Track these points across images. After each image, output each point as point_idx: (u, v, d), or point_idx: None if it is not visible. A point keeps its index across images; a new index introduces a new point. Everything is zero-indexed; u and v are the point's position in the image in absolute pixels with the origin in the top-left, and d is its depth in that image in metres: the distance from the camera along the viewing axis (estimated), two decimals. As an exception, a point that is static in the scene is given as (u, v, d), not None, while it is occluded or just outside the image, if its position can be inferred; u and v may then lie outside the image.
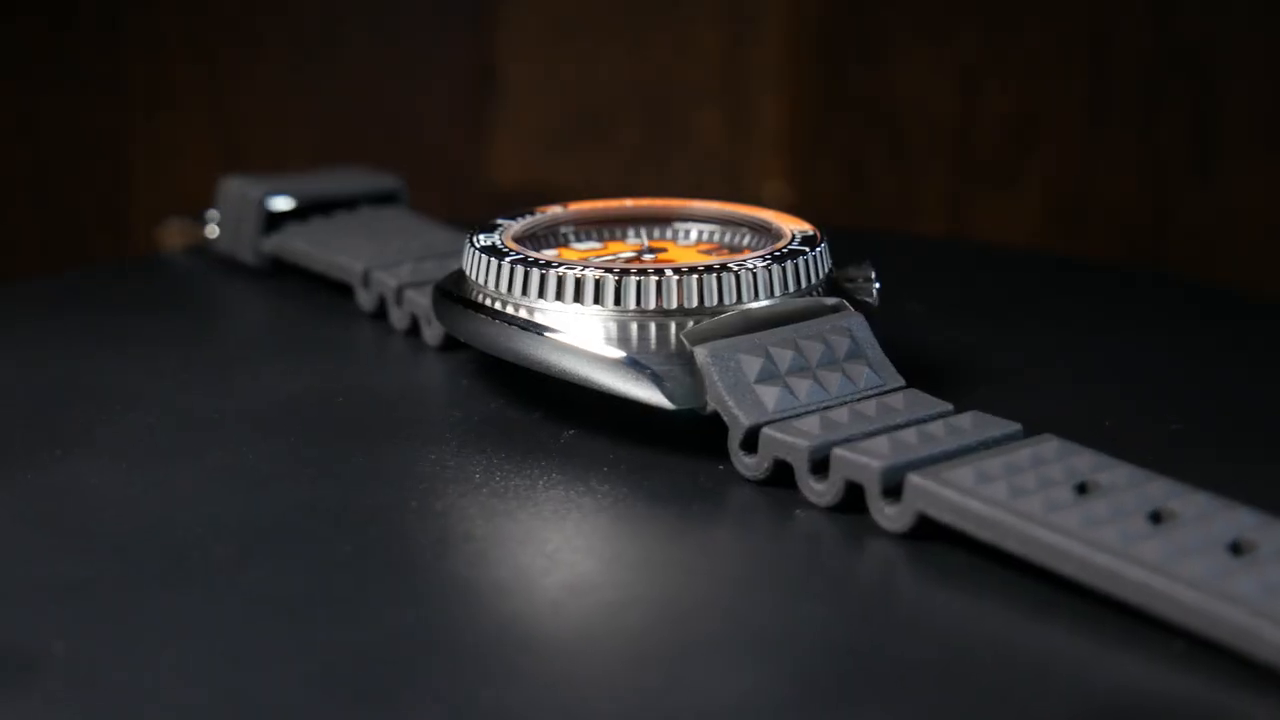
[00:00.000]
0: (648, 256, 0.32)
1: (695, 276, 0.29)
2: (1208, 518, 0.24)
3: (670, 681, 0.22)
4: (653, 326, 0.29)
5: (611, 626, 0.23)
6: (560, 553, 0.26)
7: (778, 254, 0.30)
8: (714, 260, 0.30)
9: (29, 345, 0.35)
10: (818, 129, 0.54)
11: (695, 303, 0.29)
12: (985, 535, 0.25)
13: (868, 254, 0.33)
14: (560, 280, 0.29)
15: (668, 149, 0.51)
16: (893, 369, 0.30)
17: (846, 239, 0.34)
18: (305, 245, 0.39)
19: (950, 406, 0.28)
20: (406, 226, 0.39)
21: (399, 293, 0.35)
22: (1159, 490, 0.25)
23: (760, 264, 0.30)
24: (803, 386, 0.28)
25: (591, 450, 0.29)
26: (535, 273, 0.30)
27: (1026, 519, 0.24)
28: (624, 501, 0.27)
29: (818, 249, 0.31)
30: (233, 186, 0.41)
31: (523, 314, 0.30)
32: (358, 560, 0.25)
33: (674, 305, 0.29)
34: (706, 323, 0.29)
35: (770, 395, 0.28)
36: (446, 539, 0.26)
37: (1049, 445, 0.26)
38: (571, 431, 0.30)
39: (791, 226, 0.32)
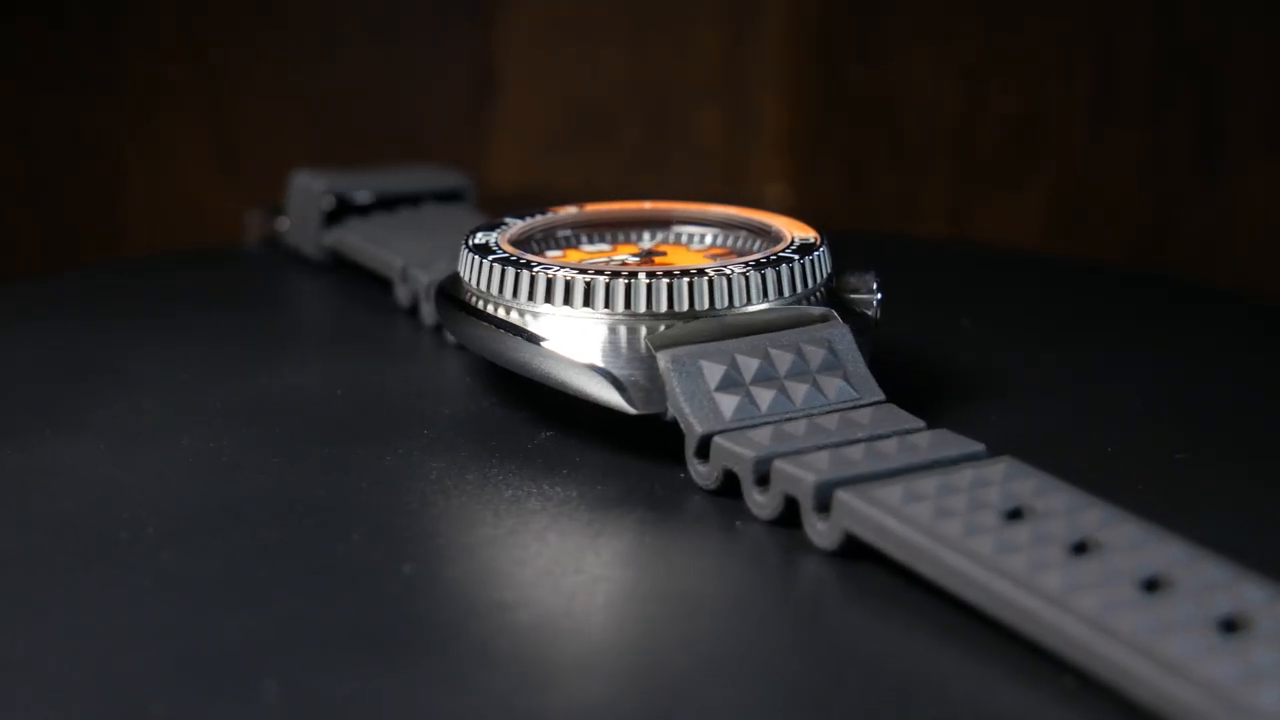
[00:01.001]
0: (632, 260, 0.32)
1: (666, 281, 0.29)
2: (1136, 550, 0.23)
3: (526, 687, 0.22)
4: (623, 330, 0.29)
5: (491, 627, 0.23)
6: (477, 551, 0.26)
7: (759, 261, 0.29)
8: (691, 265, 0.29)
9: (62, 332, 0.36)
10: (818, 129, 0.53)
11: (665, 307, 0.29)
12: (902, 556, 0.24)
13: (869, 257, 0.32)
14: (533, 280, 0.29)
15: (668, 150, 0.51)
16: (873, 383, 0.29)
17: (846, 241, 0.33)
18: (358, 240, 0.39)
19: (922, 424, 0.27)
20: (462, 224, 0.39)
21: (429, 289, 0.36)
22: (1094, 519, 0.24)
23: (738, 270, 0.29)
24: (766, 397, 0.28)
25: (561, 452, 0.29)
26: (511, 271, 0.29)
27: (940, 542, 0.23)
28: (568, 505, 0.27)
29: (809, 256, 0.30)
30: (300, 180, 0.41)
31: (501, 313, 0.30)
32: (279, 548, 0.25)
33: (643, 309, 0.29)
34: (676, 328, 0.28)
35: (729, 404, 0.28)
36: (373, 532, 0.26)
37: (998, 468, 0.25)
38: (550, 433, 0.30)
39: (796, 232, 0.31)
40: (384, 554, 0.25)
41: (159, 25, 0.51)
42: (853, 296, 0.31)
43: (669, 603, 0.24)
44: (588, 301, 0.29)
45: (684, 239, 0.33)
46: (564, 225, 0.33)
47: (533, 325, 0.29)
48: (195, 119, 0.51)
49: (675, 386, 0.28)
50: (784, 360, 0.28)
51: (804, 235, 0.31)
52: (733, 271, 0.29)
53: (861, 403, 0.28)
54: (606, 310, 0.29)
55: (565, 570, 0.25)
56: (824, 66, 0.51)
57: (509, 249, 0.30)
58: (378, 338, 0.36)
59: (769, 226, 0.32)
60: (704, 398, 0.28)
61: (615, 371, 0.28)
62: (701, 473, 0.27)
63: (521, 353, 0.29)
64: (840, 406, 0.28)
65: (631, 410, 0.28)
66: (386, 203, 0.41)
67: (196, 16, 0.51)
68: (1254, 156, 0.51)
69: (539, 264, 0.29)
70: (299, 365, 0.34)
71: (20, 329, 0.36)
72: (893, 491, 0.25)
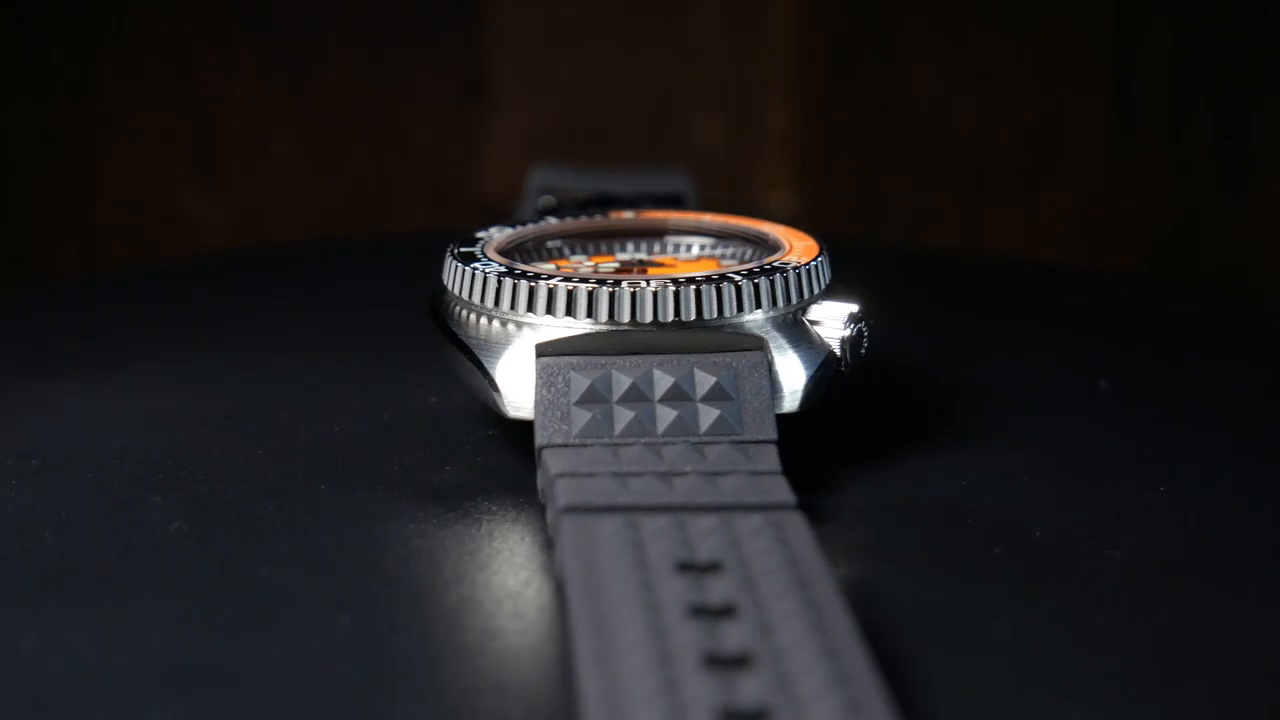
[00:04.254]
0: (593, 267, 0.31)
1: (566, 287, 0.27)
2: (763, 626, 0.20)
3: (133, 638, 0.22)
4: (521, 332, 0.28)
5: (201, 604, 0.23)
6: (259, 521, 0.26)
7: (690, 278, 0.28)
8: (617, 276, 0.28)
9: (216, 299, 0.39)
10: (826, 135, 0.50)
11: (564, 314, 0.28)
12: (564, 589, 0.22)
13: (875, 269, 0.30)
14: (462, 276, 0.29)
15: (667, 155, 0.47)
16: (769, 421, 0.26)
17: (852, 253, 0.31)
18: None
19: (776, 469, 0.25)
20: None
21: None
22: (773, 588, 0.21)
23: (654, 285, 0.27)
24: (625, 417, 0.26)
25: (477, 451, 0.29)
26: (456, 267, 0.29)
27: (581, 579, 0.22)
28: (410, 498, 0.27)
29: (765, 277, 0.28)
30: (533, 173, 0.42)
31: (454, 309, 0.29)
32: (109, 495, 0.27)
33: (541, 313, 0.28)
34: (565, 336, 0.27)
35: (581, 419, 0.26)
36: (201, 494, 0.27)
37: (752, 521, 0.23)
38: (491, 432, 0.29)
39: (798, 250, 0.29)
40: (178, 513, 0.26)
41: (138, 30, 0.52)
42: (815, 328, 0.28)
43: (355, 605, 0.23)
44: (497, 302, 0.28)
45: (718, 250, 0.32)
46: (610, 230, 0.32)
47: (460, 322, 0.29)
48: (174, 126, 0.52)
49: (539, 394, 0.27)
50: (664, 383, 0.27)
51: (794, 258, 0.29)
52: (642, 286, 0.27)
53: (739, 438, 0.26)
54: (511, 311, 0.28)
55: (321, 555, 0.25)
56: (831, 69, 0.48)
57: (493, 253, 0.30)
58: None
59: (775, 240, 0.30)
60: (560, 410, 0.26)
61: (503, 373, 0.28)
62: (539, 486, 0.26)
63: (444, 347, 0.29)
64: (708, 439, 0.26)
65: (506, 413, 0.27)
66: (604, 201, 0.41)
67: (176, 21, 0.52)
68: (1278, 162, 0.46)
69: (480, 262, 0.29)
70: (364, 349, 0.35)
71: (189, 293, 0.40)
72: (607, 524, 0.23)
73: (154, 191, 0.53)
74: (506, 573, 0.24)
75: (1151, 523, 0.26)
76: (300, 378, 0.33)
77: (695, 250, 0.32)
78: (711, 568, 0.22)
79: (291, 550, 0.25)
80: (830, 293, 0.29)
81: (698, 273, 0.28)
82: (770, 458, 0.25)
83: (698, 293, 0.27)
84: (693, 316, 0.27)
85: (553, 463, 0.25)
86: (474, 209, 0.41)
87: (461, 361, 0.28)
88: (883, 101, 0.49)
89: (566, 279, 0.28)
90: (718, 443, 0.26)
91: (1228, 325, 0.37)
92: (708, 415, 0.26)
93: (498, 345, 0.28)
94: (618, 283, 0.27)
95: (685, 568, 0.22)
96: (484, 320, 0.28)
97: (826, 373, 0.28)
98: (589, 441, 0.26)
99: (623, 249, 0.32)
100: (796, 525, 0.23)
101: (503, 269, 0.28)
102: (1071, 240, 0.48)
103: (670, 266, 0.31)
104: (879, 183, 0.50)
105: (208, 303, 0.39)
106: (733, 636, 0.20)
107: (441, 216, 0.43)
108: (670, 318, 0.27)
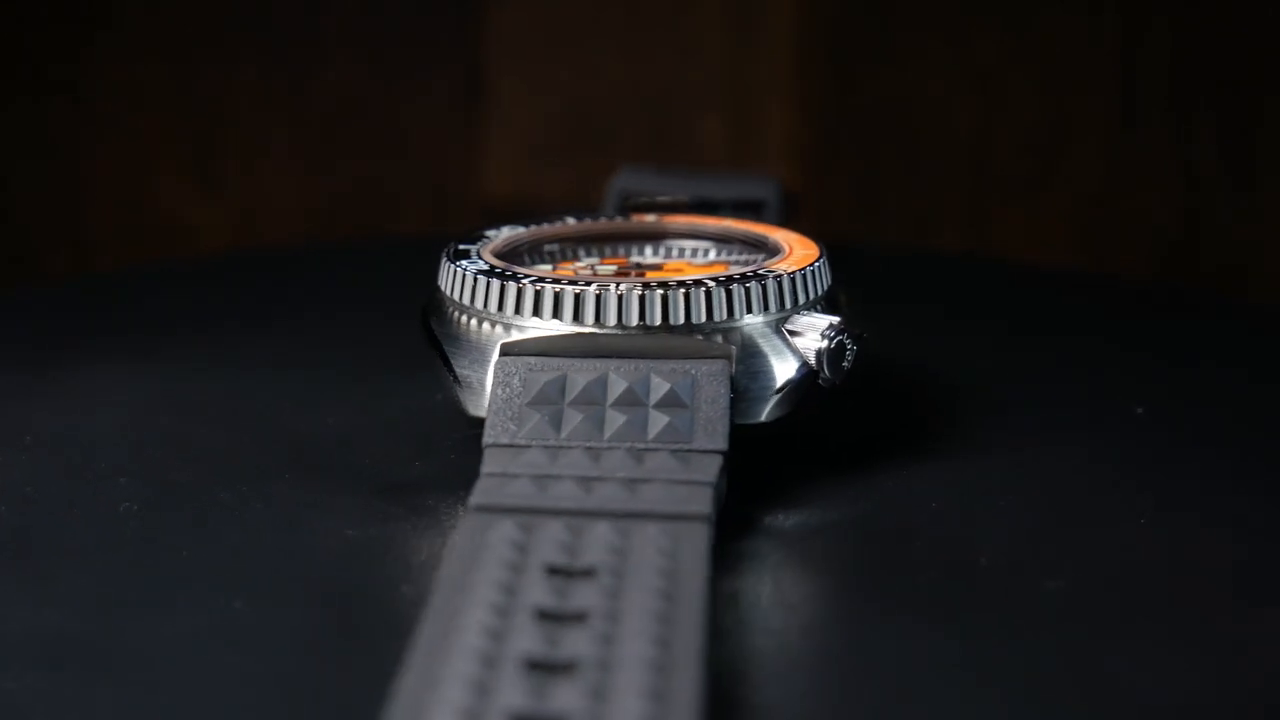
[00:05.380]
0: (591, 269, 0.30)
1: (534, 289, 0.27)
2: (604, 638, 0.20)
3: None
4: (488, 331, 0.28)
5: (108, 581, 0.24)
6: (204, 511, 0.26)
7: (653, 283, 0.27)
8: (584, 277, 0.28)
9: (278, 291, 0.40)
10: (826, 135, 0.49)
11: (530, 314, 0.27)
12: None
13: (875, 273, 0.29)
14: (445, 274, 0.29)
15: (668, 157, 0.45)
16: (722, 431, 0.26)
17: (852, 257, 0.30)
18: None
19: (710, 481, 0.25)
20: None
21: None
22: (636, 602, 0.21)
23: (619, 289, 0.27)
24: (573, 419, 0.26)
25: (454, 450, 0.29)
26: (444, 265, 0.29)
27: (444, 580, 0.21)
28: (359, 493, 0.27)
29: (743, 284, 0.27)
30: (616, 176, 0.42)
31: (440, 306, 0.30)
32: (104, 478, 0.27)
33: (511, 313, 0.28)
34: (531, 337, 0.27)
35: (530, 420, 0.26)
36: (177, 479, 0.27)
37: (648, 531, 0.23)
38: (479, 431, 0.29)
39: (798, 259, 0.29)
40: (135, 494, 0.27)
41: (137, 31, 0.52)
42: (794, 339, 0.28)
43: (254, 592, 0.24)
44: (473, 300, 0.28)
45: (731, 254, 0.31)
46: (634, 233, 0.32)
47: (443, 320, 0.29)
48: (172, 126, 0.52)
49: (494, 394, 0.27)
50: (618, 387, 0.26)
51: (784, 266, 0.28)
52: (608, 289, 0.27)
53: (685, 447, 0.26)
54: (485, 310, 0.28)
55: (249, 542, 0.25)
56: (831, 69, 0.47)
57: (486, 253, 0.30)
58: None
59: (776, 245, 0.30)
60: (512, 410, 0.26)
61: (468, 371, 0.28)
62: (482, 485, 0.26)
63: (431, 343, 0.29)
64: (652, 446, 0.26)
65: (468, 410, 0.27)
66: (685, 207, 0.41)
67: (176, 20, 0.51)
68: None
69: (466, 260, 0.29)
70: (366, 348, 0.36)
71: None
72: (502, 525, 0.23)
73: (152, 192, 0.53)
74: (422, 570, 0.24)
75: (1118, 553, 0.25)
76: (302, 375, 0.33)
77: (712, 255, 0.32)
78: (584, 574, 0.21)
79: (223, 536, 0.25)
80: (826, 299, 0.28)
81: (671, 277, 0.28)
82: (711, 469, 0.25)
83: (664, 298, 0.27)
84: (657, 322, 0.27)
85: (489, 462, 0.25)
86: (474, 209, 0.41)
87: (435, 358, 0.28)
88: (883, 102, 0.48)
89: (538, 280, 0.27)
90: (659, 450, 0.25)
91: (1228, 326, 0.35)
92: (657, 422, 0.26)
93: (468, 343, 0.28)
94: (586, 284, 0.27)
95: (556, 572, 0.21)
96: (463, 318, 0.28)
97: (800, 384, 0.27)
98: (533, 443, 0.26)
99: (640, 253, 0.32)
100: (694, 537, 0.23)
101: (482, 267, 0.28)
102: (1073, 241, 0.47)
103: (675, 270, 0.30)
104: (879, 183, 0.49)
105: (208, 302, 0.39)
106: (569, 644, 0.20)
107: (441, 217, 0.43)
108: (635, 322, 0.27)
